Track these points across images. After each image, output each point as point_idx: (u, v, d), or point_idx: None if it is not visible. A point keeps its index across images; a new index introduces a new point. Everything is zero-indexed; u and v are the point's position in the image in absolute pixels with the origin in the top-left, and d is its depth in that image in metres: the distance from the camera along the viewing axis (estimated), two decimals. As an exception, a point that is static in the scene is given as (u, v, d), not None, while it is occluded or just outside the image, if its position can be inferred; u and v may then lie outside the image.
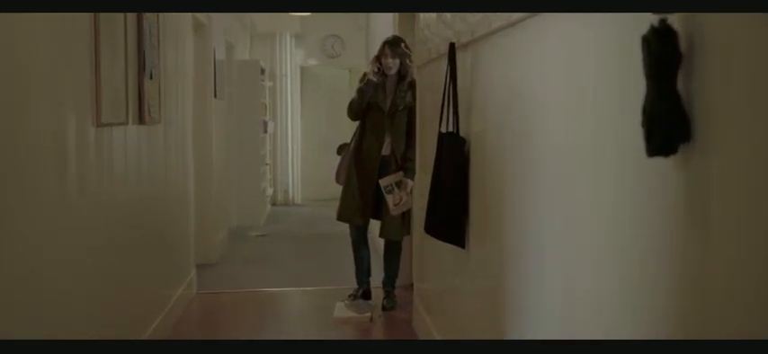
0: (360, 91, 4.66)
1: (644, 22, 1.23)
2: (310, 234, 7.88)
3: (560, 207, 1.91)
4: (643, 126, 1.23)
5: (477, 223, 2.84)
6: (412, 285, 4.61)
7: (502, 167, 2.47)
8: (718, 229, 1.15)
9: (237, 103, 7.99)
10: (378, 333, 4.44)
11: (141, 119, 3.60)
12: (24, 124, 2.31)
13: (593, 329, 1.69)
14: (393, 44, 4.61)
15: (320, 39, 10.22)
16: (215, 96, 6.34)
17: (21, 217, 2.28)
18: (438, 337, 3.60)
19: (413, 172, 4.47)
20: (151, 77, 3.79)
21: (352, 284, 4.92)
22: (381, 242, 4.89)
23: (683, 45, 1.19)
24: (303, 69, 10.44)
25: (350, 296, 4.84)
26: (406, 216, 4.65)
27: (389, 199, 4.57)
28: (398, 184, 4.59)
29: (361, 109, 4.65)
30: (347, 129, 5.54)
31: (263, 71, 8.71)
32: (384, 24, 5.99)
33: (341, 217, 4.79)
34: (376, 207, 4.67)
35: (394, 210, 4.58)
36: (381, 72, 4.60)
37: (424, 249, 4.04)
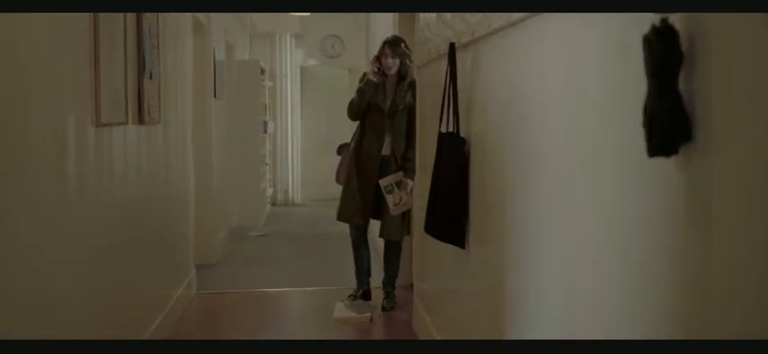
0: (360, 91, 4.66)
1: (644, 21, 1.23)
2: (310, 234, 7.88)
3: (560, 207, 1.91)
4: (644, 126, 1.23)
5: (477, 223, 2.84)
6: (412, 285, 4.61)
7: (502, 167, 2.47)
8: (720, 229, 1.15)
9: (237, 103, 7.99)
10: (378, 333, 4.44)
11: (141, 120, 3.60)
12: (24, 124, 2.31)
13: (594, 329, 1.69)
14: (393, 44, 4.61)
15: (320, 40, 10.22)
16: (215, 96, 6.34)
17: (21, 217, 2.27)
18: (438, 337, 3.60)
19: (413, 172, 4.47)
20: (151, 77, 3.79)
21: (352, 284, 4.92)
22: (381, 242, 4.89)
23: (684, 44, 1.19)
24: (303, 69, 10.44)
25: (350, 296, 4.84)
26: (406, 217, 4.65)
27: (389, 199, 4.57)
28: (398, 184, 4.58)
29: (361, 109, 4.65)
30: (347, 129, 5.54)
31: (262, 71, 8.71)
32: (384, 24, 5.99)
33: (341, 217, 4.79)
34: (376, 207, 4.67)
35: (394, 210, 4.58)
36: (381, 72, 4.60)
37: (424, 249, 4.04)
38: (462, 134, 2.96)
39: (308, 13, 9.50)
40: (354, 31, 9.71)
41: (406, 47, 4.60)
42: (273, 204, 9.90)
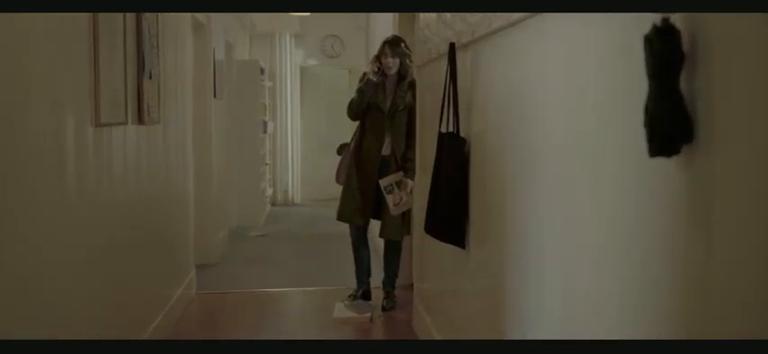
0: (360, 90, 4.66)
1: (644, 21, 1.23)
2: (310, 234, 7.88)
3: (561, 207, 1.91)
4: (645, 126, 1.22)
5: (477, 223, 2.84)
6: (412, 285, 4.60)
7: (502, 167, 2.46)
8: (721, 230, 1.14)
9: (237, 103, 7.98)
10: (378, 333, 4.44)
11: (140, 120, 3.60)
12: (24, 124, 2.31)
13: (594, 329, 1.69)
14: (393, 44, 4.61)
15: (320, 40, 10.22)
16: (214, 96, 6.33)
17: (21, 217, 2.27)
18: (438, 337, 3.60)
19: (413, 172, 4.46)
20: (150, 77, 3.78)
21: (352, 284, 4.92)
22: (381, 242, 4.89)
23: (685, 44, 1.19)
24: (303, 69, 10.44)
25: (350, 296, 4.84)
26: (406, 217, 4.65)
27: (389, 199, 4.57)
28: (398, 184, 4.58)
29: (361, 109, 4.65)
30: (347, 129, 5.54)
31: (262, 71, 8.71)
32: (384, 24, 5.98)
33: (341, 217, 4.78)
34: (376, 207, 4.67)
35: (394, 210, 4.58)
36: (381, 72, 4.60)
37: (424, 249, 4.04)
38: (462, 134, 2.96)
39: (308, 13, 9.50)
40: (354, 31, 9.71)
41: (406, 46, 4.60)
42: (273, 204, 9.90)
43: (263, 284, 5.53)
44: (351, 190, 4.71)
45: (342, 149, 4.89)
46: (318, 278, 5.71)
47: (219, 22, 6.72)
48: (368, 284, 4.89)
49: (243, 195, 8.16)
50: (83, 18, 2.83)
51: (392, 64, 4.57)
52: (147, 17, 3.72)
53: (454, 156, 2.95)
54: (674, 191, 1.28)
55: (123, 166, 3.40)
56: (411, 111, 4.53)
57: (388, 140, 4.63)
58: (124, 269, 3.44)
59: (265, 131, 8.79)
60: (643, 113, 1.23)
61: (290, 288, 5.46)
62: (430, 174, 3.19)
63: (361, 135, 4.73)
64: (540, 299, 2.09)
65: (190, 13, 5.15)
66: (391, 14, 5.44)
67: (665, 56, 1.18)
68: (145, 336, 3.72)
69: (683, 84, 1.20)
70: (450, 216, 2.99)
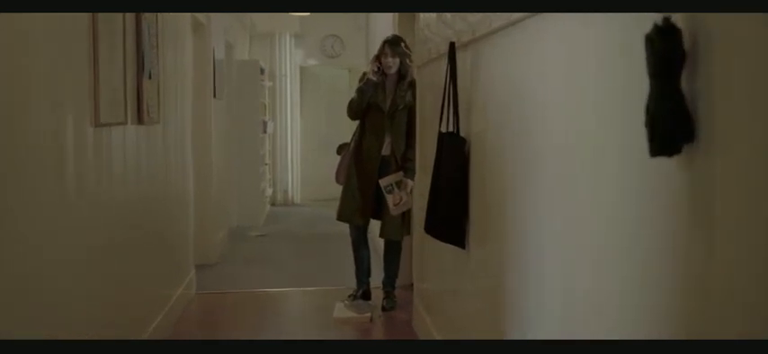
0: (359, 90, 4.66)
1: (645, 21, 1.23)
2: (310, 234, 7.87)
3: (561, 207, 1.91)
4: (646, 125, 1.22)
5: (477, 223, 2.83)
6: (412, 285, 4.60)
7: (502, 167, 2.46)
8: (722, 229, 1.14)
9: (237, 103, 7.98)
10: (378, 333, 4.44)
11: (140, 119, 3.59)
12: (24, 124, 2.31)
13: (594, 329, 1.68)
14: (393, 43, 4.61)
15: (320, 39, 10.22)
16: (214, 96, 6.33)
17: (21, 217, 2.27)
18: (438, 337, 3.60)
19: (413, 171, 4.46)
20: (150, 77, 3.78)
21: (352, 284, 4.92)
22: (381, 242, 4.89)
23: (686, 43, 1.19)
24: (303, 69, 10.44)
25: (350, 296, 4.84)
26: (406, 217, 4.65)
27: (389, 198, 4.57)
28: (398, 184, 4.58)
29: (361, 108, 4.65)
30: (347, 129, 5.53)
31: (262, 71, 8.71)
32: (384, 24, 5.98)
33: (341, 217, 4.78)
34: (376, 207, 4.66)
35: (394, 210, 4.58)
36: (381, 71, 4.60)
37: (424, 249, 4.03)
38: (462, 134, 2.95)
39: (308, 13, 9.49)
40: (354, 31, 9.70)
41: (406, 46, 4.60)
42: (273, 204, 9.90)
43: (263, 284, 5.53)
44: (351, 190, 4.71)
45: (341, 149, 4.89)
46: (318, 278, 5.71)
47: (219, 22, 6.72)
48: (368, 284, 4.88)
49: (242, 195, 8.16)
50: (82, 18, 2.83)
51: (392, 63, 4.57)
52: (147, 17, 3.72)
53: (454, 156, 2.94)
54: (675, 191, 1.27)
55: (123, 166, 3.39)
56: (411, 111, 4.52)
57: (388, 140, 4.63)
58: (124, 270, 3.43)
59: (265, 131, 8.79)
60: (644, 113, 1.23)
61: (289, 288, 5.46)
62: (430, 174, 3.19)
63: (360, 135, 4.73)
64: (540, 299, 2.09)
65: (190, 13, 5.14)
66: (391, 14, 5.44)
67: (666, 55, 1.18)
68: (145, 336, 3.71)
69: (685, 84, 1.20)
70: (451, 216, 2.99)
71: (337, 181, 4.85)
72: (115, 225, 3.28)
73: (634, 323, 1.48)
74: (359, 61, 8.98)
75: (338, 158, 4.87)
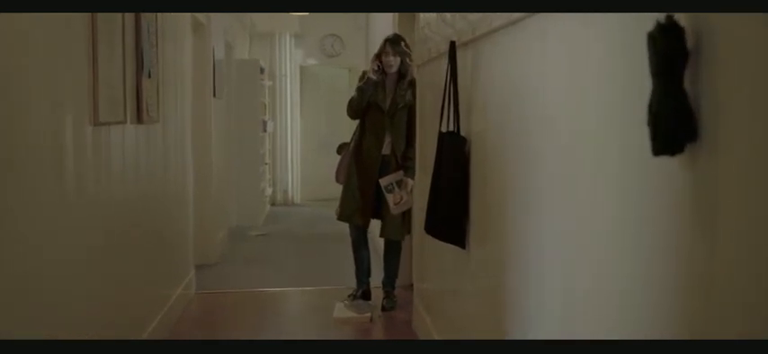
0: (360, 89, 4.65)
1: (645, 20, 1.23)
2: (310, 234, 7.87)
3: (561, 206, 1.91)
4: (649, 124, 1.22)
5: (477, 223, 2.83)
6: (412, 285, 4.60)
7: (503, 167, 2.46)
8: (725, 229, 1.14)
9: (237, 103, 7.98)
10: (378, 334, 4.44)
11: (139, 119, 3.59)
12: (24, 124, 2.31)
13: (594, 329, 1.68)
14: (394, 42, 4.61)
15: (319, 39, 10.21)
16: (214, 95, 6.33)
17: (20, 217, 2.27)
18: (438, 337, 3.59)
19: (413, 171, 4.46)
20: (149, 76, 3.78)
21: (352, 284, 4.91)
22: (381, 242, 4.89)
23: (689, 42, 1.18)
24: (302, 69, 10.43)
25: (349, 296, 4.83)
26: (406, 216, 4.64)
27: (390, 198, 4.57)
28: (399, 183, 4.58)
29: (361, 107, 4.64)
30: (347, 129, 5.53)
31: (262, 70, 8.70)
32: (384, 24, 5.98)
33: (341, 217, 4.78)
34: (376, 206, 4.66)
35: (394, 210, 4.57)
36: (382, 70, 4.59)
37: (424, 249, 4.03)
38: (463, 133, 2.95)
39: (308, 13, 9.49)
40: (354, 31, 9.70)
41: (406, 45, 4.60)
42: (273, 204, 9.90)
43: (263, 284, 5.52)
44: (351, 190, 4.70)
45: (341, 149, 4.88)
46: (318, 278, 5.71)
47: (219, 21, 6.72)
48: (368, 284, 4.88)
49: (242, 195, 8.15)
50: (82, 17, 2.82)
51: (393, 62, 4.57)
52: (147, 16, 3.71)
53: (455, 156, 2.94)
54: (678, 190, 1.27)
55: (122, 166, 3.39)
56: (411, 110, 4.52)
57: (388, 139, 4.62)
58: (123, 269, 3.43)
59: (265, 131, 8.79)
60: (646, 112, 1.22)
61: (289, 288, 5.45)
62: (430, 174, 3.18)
63: (360, 134, 4.72)
64: (540, 299, 2.08)
65: (189, 13, 5.14)
66: (391, 14, 5.44)
67: (668, 54, 1.17)
68: (144, 336, 3.71)
69: (688, 82, 1.19)
70: (451, 215, 2.98)
71: (337, 180, 4.85)
72: (114, 225, 3.27)
73: (634, 323, 1.48)
74: (359, 61, 8.98)
75: (338, 158, 4.87)
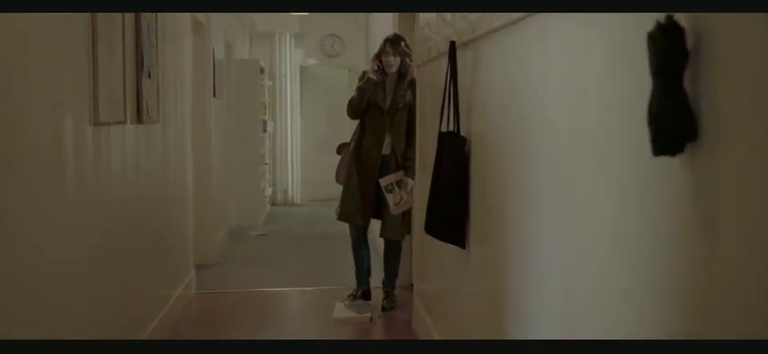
0: (360, 89, 4.65)
1: (645, 20, 1.23)
2: (310, 234, 7.87)
3: (561, 206, 1.91)
4: (649, 124, 1.22)
5: (477, 223, 2.83)
6: (412, 285, 4.60)
7: (503, 167, 2.46)
8: (725, 229, 1.14)
9: (237, 103, 7.98)
10: (378, 334, 4.44)
11: (139, 119, 3.59)
12: (24, 124, 2.31)
13: (594, 329, 1.68)
14: (394, 42, 4.61)
15: (319, 39, 10.21)
16: (214, 95, 6.33)
17: (21, 217, 2.27)
18: (438, 338, 3.59)
19: (413, 171, 4.46)
20: (149, 76, 3.78)
21: (352, 284, 4.91)
22: (381, 242, 4.89)
23: (689, 42, 1.18)
24: (302, 69, 10.43)
25: (349, 296, 4.83)
26: (406, 216, 4.64)
27: (390, 198, 4.57)
28: (399, 183, 4.58)
29: (361, 107, 4.64)
30: (347, 129, 5.53)
31: (262, 70, 8.70)
32: (384, 24, 5.98)
33: (341, 217, 4.78)
34: (376, 206, 4.66)
35: (395, 210, 4.57)
36: (382, 70, 4.59)
37: (424, 249, 4.03)
38: (463, 133, 2.95)
39: (308, 13, 9.49)
40: (354, 31, 9.70)
41: (406, 45, 4.60)
42: (273, 204, 9.89)
43: (263, 284, 5.52)
44: (351, 190, 4.70)
45: (341, 149, 4.88)
46: (318, 278, 5.71)
47: (219, 21, 6.72)
48: (368, 284, 4.88)
49: (242, 195, 8.15)
50: (82, 17, 2.82)
51: (393, 62, 4.57)
52: (147, 16, 3.71)
53: (455, 156, 2.94)
54: (678, 190, 1.27)
55: (122, 165, 3.39)
56: (411, 110, 4.52)
57: (388, 139, 4.62)
58: (123, 269, 3.43)
59: (265, 131, 8.79)
60: (646, 112, 1.22)
61: (289, 288, 5.45)
62: (430, 174, 3.18)
63: (360, 134, 4.72)
64: (540, 299, 2.08)
65: (189, 13, 5.14)
66: (391, 14, 5.43)
67: (668, 53, 1.17)
68: (144, 336, 3.71)
69: (688, 82, 1.19)
70: (451, 215, 2.98)
71: (337, 180, 4.85)
72: (114, 225, 3.27)
73: (634, 323, 1.48)
74: (359, 61, 8.98)
75: (338, 158, 4.87)
